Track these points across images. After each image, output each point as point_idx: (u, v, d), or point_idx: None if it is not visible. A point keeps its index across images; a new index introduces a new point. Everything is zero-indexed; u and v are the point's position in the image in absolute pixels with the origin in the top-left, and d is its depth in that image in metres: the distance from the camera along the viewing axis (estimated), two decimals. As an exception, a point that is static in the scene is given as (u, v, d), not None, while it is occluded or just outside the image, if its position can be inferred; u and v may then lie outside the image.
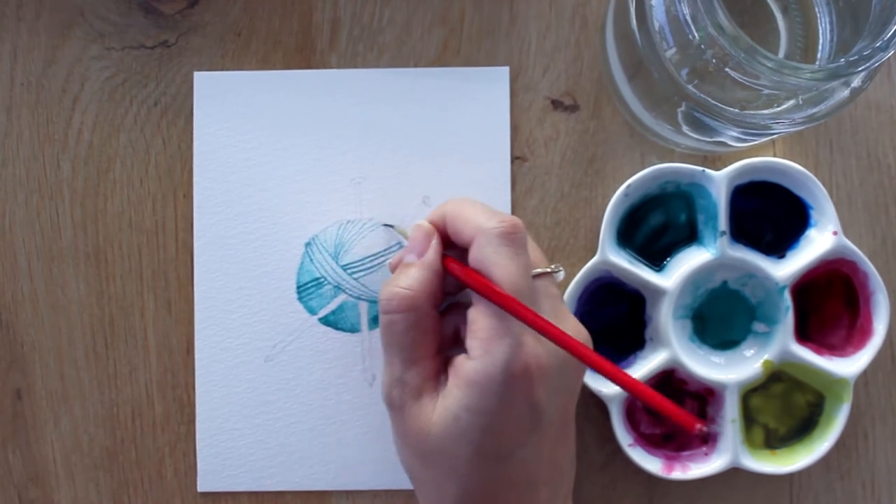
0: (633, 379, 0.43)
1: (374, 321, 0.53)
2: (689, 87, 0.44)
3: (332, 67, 0.54)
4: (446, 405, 0.44)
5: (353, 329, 0.53)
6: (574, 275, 0.52)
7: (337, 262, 0.53)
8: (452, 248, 0.47)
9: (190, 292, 0.54)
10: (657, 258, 0.53)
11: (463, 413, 0.43)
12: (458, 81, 0.54)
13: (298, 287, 0.54)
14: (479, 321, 0.44)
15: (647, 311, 0.53)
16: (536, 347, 0.43)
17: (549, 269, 0.47)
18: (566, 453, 0.47)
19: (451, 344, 0.48)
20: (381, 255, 0.53)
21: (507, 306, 0.43)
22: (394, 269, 0.48)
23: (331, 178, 0.54)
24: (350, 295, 0.53)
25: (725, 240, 0.51)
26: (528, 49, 0.54)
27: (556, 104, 0.54)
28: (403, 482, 0.53)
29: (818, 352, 0.52)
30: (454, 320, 0.48)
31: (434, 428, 0.44)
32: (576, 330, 0.46)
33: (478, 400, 0.43)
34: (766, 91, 0.44)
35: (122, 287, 0.54)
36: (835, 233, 0.51)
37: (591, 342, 0.46)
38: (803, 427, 0.53)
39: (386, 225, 0.53)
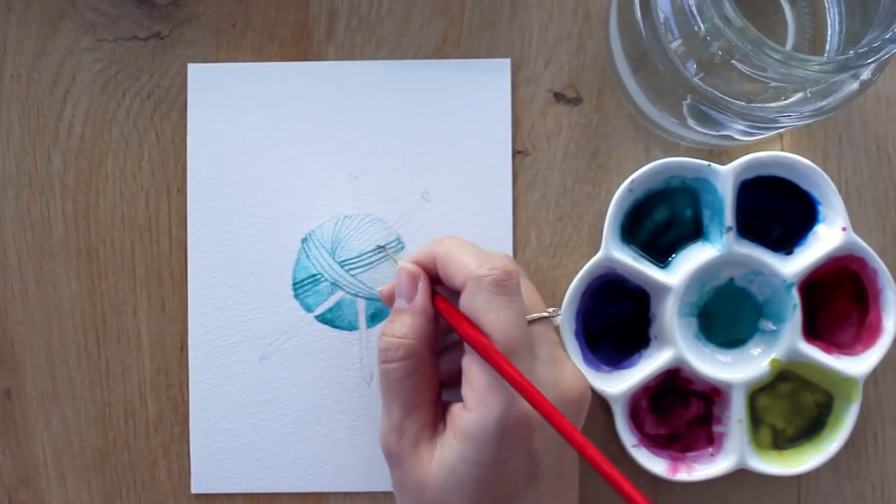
0: (601, 456, 0.42)
1: (371, 318, 0.54)
2: (695, 79, 0.44)
3: (329, 59, 0.54)
4: (443, 456, 0.44)
5: (351, 327, 0.54)
6: (577, 272, 0.52)
7: (334, 259, 0.54)
8: (442, 285, 0.48)
9: (184, 289, 0.54)
10: (662, 255, 0.53)
11: (459, 464, 0.43)
12: (459, 74, 0.54)
13: (294, 284, 0.54)
14: (474, 372, 0.44)
15: (651, 309, 0.53)
16: None
17: (546, 314, 0.47)
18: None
19: (452, 383, 0.48)
20: (380, 252, 0.54)
21: (495, 364, 0.43)
22: (385, 299, 0.49)
23: (328, 172, 0.54)
24: (347, 292, 0.54)
25: (732, 236, 0.51)
26: (529, 41, 0.54)
27: (559, 97, 0.54)
28: (402, 484, 0.53)
29: (827, 350, 0.52)
30: (454, 358, 0.48)
31: (431, 478, 0.44)
32: (574, 378, 0.47)
33: (474, 451, 0.43)
34: (774, 84, 0.44)
35: (114, 284, 0.54)
36: (843, 228, 0.52)
37: (589, 392, 0.48)
38: (811, 427, 0.53)
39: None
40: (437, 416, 0.46)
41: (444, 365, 0.49)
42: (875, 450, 0.55)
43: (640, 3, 0.46)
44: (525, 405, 0.43)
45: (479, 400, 0.43)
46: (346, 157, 0.54)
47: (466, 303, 0.45)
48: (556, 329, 0.48)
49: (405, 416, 0.46)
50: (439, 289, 0.48)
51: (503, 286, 0.44)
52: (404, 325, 0.46)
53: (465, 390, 0.44)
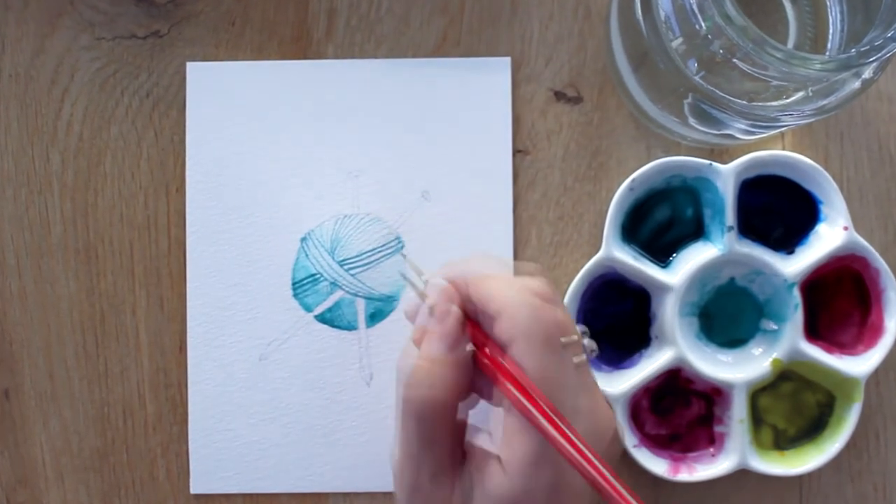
0: None
1: (371, 318, 0.54)
2: (696, 78, 0.44)
3: (328, 58, 0.54)
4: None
5: (350, 327, 0.54)
6: (577, 271, 0.52)
7: (333, 258, 0.54)
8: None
9: (183, 289, 0.54)
10: (663, 254, 0.53)
11: None
12: (459, 72, 0.54)
13: (294, 283, 0.54)
14: (517, 437, 0.40)
15: (652, 309, 0.53)
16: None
17: (578, 338, 0.43)
18: None
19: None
20: (379, 251, 0.54)
21: (549, 438, 0.39)
22: (410, 317, 0.46)
23: (327, 171, 0.54)
24: (347, 291, 0.54)
25: (733, 235, 0.51)
26: (530, 39, 0.54)
27: (559, 96, 0.54)
28: (402, 484, 0.53)
29: (828, 350, 0.52)
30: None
31: None
32: (606, 408, 0.43)
33: None
34: (775, 82, 0.44)
35: (113, 284, 0.54)
36: (845, 228, 0.52)
37: (618, 425, 0.44)
38: (813, 427, 0.53)
39: (402, 254, 0.53)
40: (457, 445, 0.43)
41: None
42: (877, 450, 0.55)
43: (640, 1, 0.46)
44: (574, 479, 0.40)
45: (521, 471, 0.40)
46: (345, 155, 0.54)
47: (502, 330, 0.41)
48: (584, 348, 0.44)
49: (425, 448, 0.42)
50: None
51: (540, 316, 0.41)
52: (434, 348, 0.42)
53: (505, 451, 0.41)
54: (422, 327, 0.44)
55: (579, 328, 0.43)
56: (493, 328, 0.42)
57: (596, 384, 0.43)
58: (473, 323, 0.43)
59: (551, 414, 0.39)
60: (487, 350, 0.42)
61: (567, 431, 0.39)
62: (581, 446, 0.39)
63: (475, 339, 0.43)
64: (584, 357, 0.43)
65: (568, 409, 0.40)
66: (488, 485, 0.41)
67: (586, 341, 0.44)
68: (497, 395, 0.43)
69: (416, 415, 0.41)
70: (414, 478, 0.42)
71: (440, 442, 0.42)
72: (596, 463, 0.39)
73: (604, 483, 0.38)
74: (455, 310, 0.43)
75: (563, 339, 0.42)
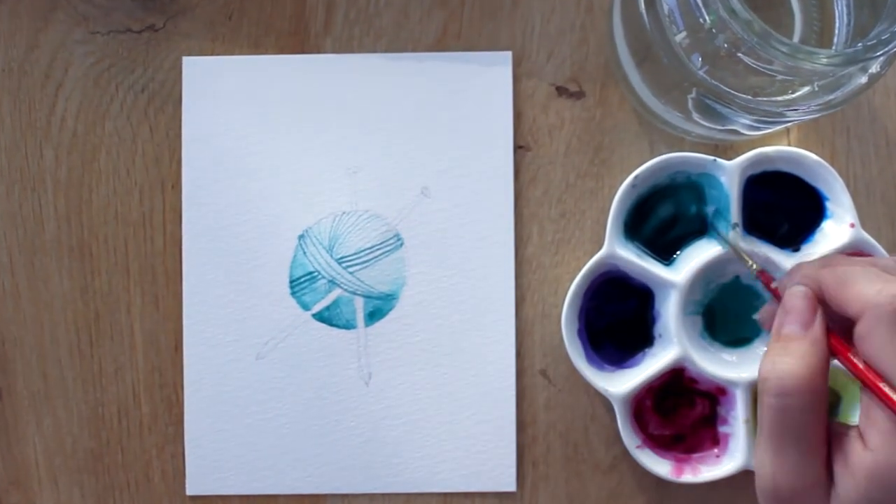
0: None
1: (369, 317, 0.54)
2: (700, 72, 0.45)
3: (326, 52, 0.54)
4: (848, 496, 0.40)
5: (349, 325, 0.54)
6: (579, 269, 0.52)
7: (331, 256, 0.54)
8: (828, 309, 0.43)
9: (178, 287, 0.54)
10: (666, 251, 0.53)
11: None
12: (459, 67, 0.54)
13: (291, 281, 0.54)
14: (876, 410, 0.40)
15: (655, 307, 0.53)
16: None
17: None
18: None
19: None
20: (378, 249, 0.54)
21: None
22: (767, 321, 0.46)
23: (325, 167, 0.54)
24: (345, 290, 0.54)
25: (738, 232, 0.52)
26: (531, 33, 0.54)
27: (561, 91, 0.54)
28: (400, 485, 0.54)
29: (834, 350, 0.53)
30: None
31: None
32: None
33: (881, 492, 0.39)
34: (781, 77, 0.44)
35: (107, 282, 0.54)
36: (852, 225, 0.52)
37: None
38: (819, 428, 0.53)
39: (756, 267, 0.50)
40: (827, 453, 0.42)
41: None
42: (884, 451, 0.55)
43: (644, -6, 0.46)
44: None
45: (884, 440, 0.40)
46: (343, 151, 0.54)
47: (862, 336, 0.40)
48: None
49: (807, 457, 0.41)
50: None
51: None
52: (802, 354, 0.41)
53: (866, 426, 0.40)
54: (767, 312, 0.45)
55: None
56: (847, 307, 0.41)
57: None
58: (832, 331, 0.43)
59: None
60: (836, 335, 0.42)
61: None
62: None
63: (841, 358, 0.42)
64: None
65: None
66: (851, 461, 0.40)
67: None
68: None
69: (777, 392, 0.41)
70: (797, 491, 0.41)
71: (821, 448, 0.41)
72: None
73: None
74: (806, 291, 0.43)
75: None
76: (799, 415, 0.41)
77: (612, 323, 0.53)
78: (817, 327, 0.42)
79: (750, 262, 0.49)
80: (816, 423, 0.41)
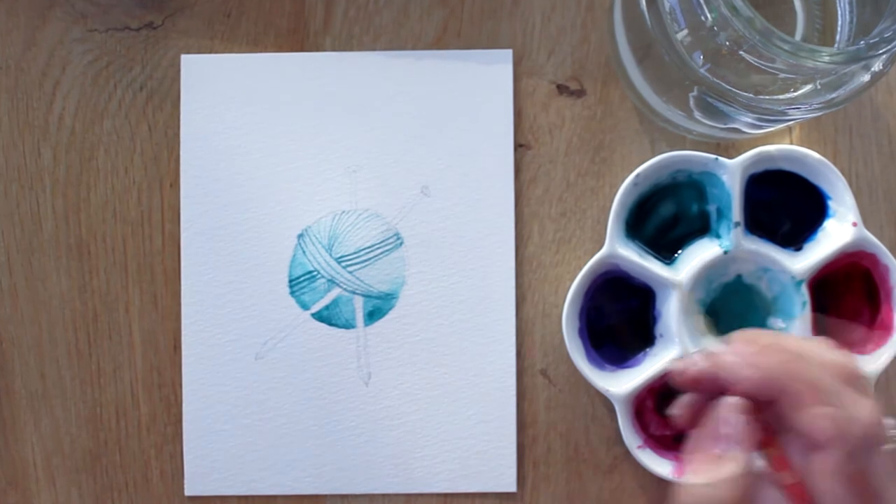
0: None
1: (369, 317, 0.54)
2: (702, 70, 0.45)
3: (326, 50, 0.54)
4: None
5: (348, 325, 0.54)
6: (580, 268, 0.52)
7: (331, 255, 0.54)
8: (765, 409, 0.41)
9: (177, 286, 0.54)
10: (668, 251, 0.53)
11: None
12: (459, 65, 0.54)
13: (290, 281, 0.54)
14: None
15: (656, 307, 0.53)
16: None
17: (893, 439, 0.40)
18: None
19: None
20: (378, 248, 0.54)
21: None
22: (681, 420, 0.43)
23: (325, 166, 0.54)
24: (345, 289, 0.54)
25: (740, 231, 0.52)
26: (532, 31, 0.54)
27: (562, 89, 0.55)
28: (399, 486, 0.54)
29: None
30: None
31: None
32: None
33: None
34: (783, 75, 0.44)
35: (105, 281, 0.54)
36: (854, 224, 0.52)
37: None
38: (821, 428, 0.53)
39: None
40: None
41: None
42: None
43: (645, -8, 0.46)
44: None
45: None
46: (343, 150, 0.54)
47: (827, 470, 0.39)
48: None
49: None
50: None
51: (874, 444, 0.39)
52: (736, 479, 0.39)
53: None
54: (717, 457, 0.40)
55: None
56: (809, 428, 0.39)
57: None
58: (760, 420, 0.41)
59: None
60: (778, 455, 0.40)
61: None
62: None
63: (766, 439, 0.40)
64: (893, 446, 0.40)
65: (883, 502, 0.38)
66: None
67: (891, 423, 0.40)
68: None
69: None
70: None
71: None
72: None
73: None
74: (741, 404, 0.40)
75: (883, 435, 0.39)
76: None
77: (613, 323, 0.53)
78: (748, 446, 0.40)
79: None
80: None
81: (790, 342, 0.42)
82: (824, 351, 0.41)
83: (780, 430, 0.41)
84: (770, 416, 0.41)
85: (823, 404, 0.38)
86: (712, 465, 0.40)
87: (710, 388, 0.42)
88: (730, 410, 0.40)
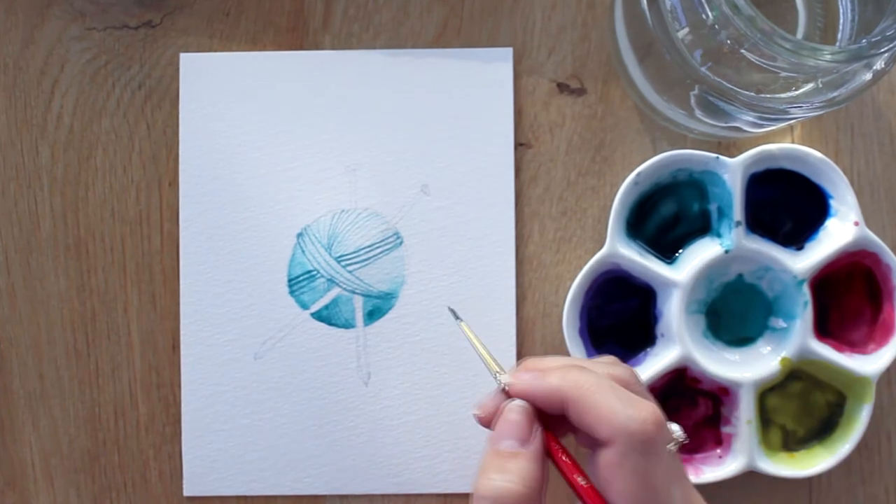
0: None
1: (369, 316, 0.54)
2: (703, 69, 0.45)
3: (325, 49, 0.55)
4: None
5: (348, 325, 0.54)
6: (581, 268, 0.52)
7: (330, 254, 0.54)
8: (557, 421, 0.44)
9: (176, 286, 0.54)
10: (669, 250, 0.53)
11: None
12: (459, 63, 0.54)
13: (290, 280, 0.54)
14: None
15: (657, 306, 0.53)
16: None
17: (676, 440, 0.43)
18: None
19: None
20: (378, 247, 0.54)
21: None
22: (484, 422, 0.45)
23: (324, 165, 0.54)
24: (344, 289, 0.54)
25: (741, 231, 0.52)
26: (532, 29, 0.54)
27: (562, 87, 0.55)
28: (399, 486, 0.54)
29: (838, 349, 0.53)
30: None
31: None
32: (698, 501, 0.42)
33: None
34: (784, 74, 0.44)
35: (104, 280, 0.54)
36: (856, 223, 0.52)
37: None
38: (823, 428, 0.54)
39: (452, 311, 0.50)
40: None
41: None
42: (889, 451, 0.55)
43: (646, -10, 0.46)
44: None
45: None
46: (342, 149, 0.54)
47: (613, 462, 0.40)
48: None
49: None
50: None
51: (655, 441, 0.41)
52: (520, 473, 0.41)
53: None
54: (500, 452, 0.43)
55: (678, 436, 0.43)
56: (594, 428, 0.41)
57: (685, 471, 0.43)
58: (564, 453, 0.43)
59: None
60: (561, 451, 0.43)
61: None
62: None
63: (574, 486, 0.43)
64: (675, 446, 0.42)
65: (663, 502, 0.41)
66: None
67: (675, 428, 0.43)
68: None
69: None
70: None
71: None
72: None
73: None
74: (525, 407, 0.43)
75: (662, 434, 0.41)
76: None
77: (613, 322, 0.53)
78: (536, 443, 0.42)
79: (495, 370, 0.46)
80: None
81: (570, 360, 0.47)
82: (601, 363, 0.45)
83: (576, 438, 0.44)
84: (568, 429, 0.44)
85: (603, 406, 0.41)
86: (503, 460, 0.42)
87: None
88: (514, 411, 0.43)
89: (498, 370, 0.45)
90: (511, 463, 0.42)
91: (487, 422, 0.44)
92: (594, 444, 0.42)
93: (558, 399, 0.42)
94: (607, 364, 0.45)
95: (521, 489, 0.41)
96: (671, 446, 0.42)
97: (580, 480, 0.42)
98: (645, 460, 0.40)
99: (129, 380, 0.54)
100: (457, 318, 0.49)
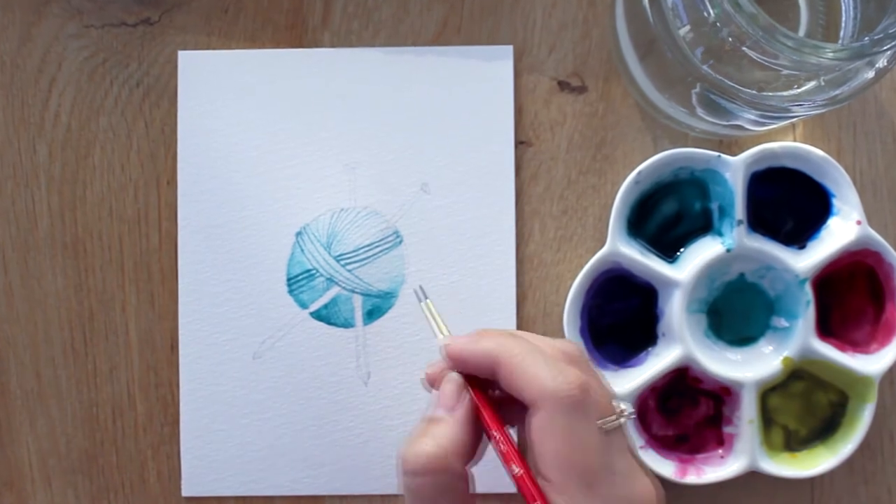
0: None
1: (368, 315, 0.54)
2: (704, 67, 0.45)
3: (324, 46, 0.55)
4: None
5: (347, 324, 0.54)
6: (582, 266, 0.52)
7: (329, 253, 0.54)
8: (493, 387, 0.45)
9: (174, 285, 0.54)
10: (670, 249, 0.53)
11: None
12: (459, 61, 0.54)
13: (289, 279, 0.54)
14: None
15: (659, 305, 0.53)
16: None
17: (618, 417, 0.43)
18: None
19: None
20: (377, 246, 0.54)
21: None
22: (430, 383, 0.46)
23: (323, 163, 0.54)
24: (343, 288, 0.54)
25: (742, 229, 0.52)
26: (533, 27, 0.55)
27: (563, 85, 0.55)
28: (399, 487, 0.54)
29: (841, 348, 0.53)
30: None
31: None
32: (649, 488, 0.43)
33: None
34: (786, 71, 0.44)
35: (101, 280, 0.54)
36: (858, 222, 0.52)
37: (664, 498, 0.45)
38: (825, 428, 0.54)
39: (418, 291, 0.50)
40: None
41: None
42: (891, 451, 0.55)
43: (647, -13, 0.46)
44: None
45: None
46: (342, 147, 0.54)
47: (541, 426, 0.41)
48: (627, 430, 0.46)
49: None
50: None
51: (582, 404, 0.41)
52: (440, 433, 0.43)
53: None
54: (430, 419, 0.45)
55: (623, 408, 0.44)
56: (522, 391, 0.42)
57: (635, 451, 0.44)
58: (476, 384, 0.45)
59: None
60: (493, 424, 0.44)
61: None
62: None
63: (489, 432, 0.44)
64: (614, 420, 0.43)
65: (598, 469, 0.41)
66: None
67: (623, 406, 0.44)
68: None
69: (411, 471, 0.42)
70: None
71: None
72: None
73: None
74: (456, 377, 0.45)
75: (604, 425, 0.42)
76: (431, 496, 0.42)
77: (614, 321, 0.53)
78: (461, 411, 0.44)
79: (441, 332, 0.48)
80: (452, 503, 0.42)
81: (513, 331, 0.48)
82: (548, 339, 0.45)
83: (507, 407, 0.45)
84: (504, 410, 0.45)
85: (530, 370, 0.42)
86: (427, 425, 0.44)
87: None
88: (446, 382, 0.45)
89: (442, 335, 0.47)
90: (434, 427, 0.43)
91: (431, 383, 0.46)
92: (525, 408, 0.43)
93: (490, 362, 0.43)
94: (554, 339, 0.45)
95: (434, 450, 0.42)
96: (620, 420, 0.43)
97: (498, 436, 0.43)
98: (572, 422, 0.41)
99: (127, 379, 0.54)
100: (423, 298, 0.49)
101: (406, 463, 0.42)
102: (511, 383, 0.43)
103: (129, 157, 0.54)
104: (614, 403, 0.43)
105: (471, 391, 0.44)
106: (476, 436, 0.44)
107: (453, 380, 0.45)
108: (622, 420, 0.43)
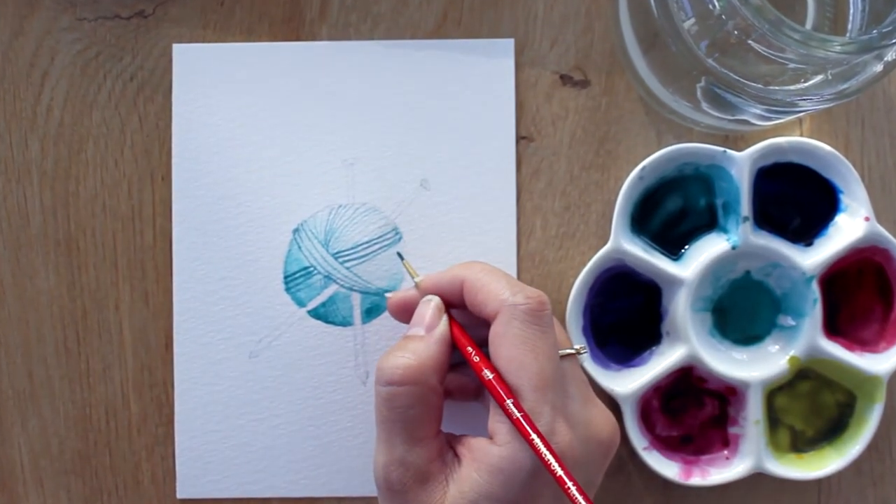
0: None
1: (367, 314, 0.54)
2: (709, 60, 0.45)
3: (322, 39, 0.55)
4: (462, 491, 0.44)
5: (345, 322, 0.54)
6: (584, 264, 0.52)
7: (327, 250, 0.54)
8: (462, 310, 0.48)
9: (168, 283, 0.54)
10: (674, 246, 0.54)
11: (483, 501, 0.43)
12: (459, 55, 0.54)
13: (286, 277, 0.54)
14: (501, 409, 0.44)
15: (663, 304, 0.53)
16: (568, 435, 0.44)
17: (573, 351, 0.47)
18: None
19: (461, 395, 0.50)
20: (376, 243, 0.54)
21: (519, 426, 0.43)
22: (395, 310, 0.50)
23: (321, 159, 0.54)
24: (341, 285, 0.54)
25: (748, 226, 0.52)
26: (534, 20, 0.55)
27: (565, 79, 0.55)
28: (400, 488, 0.54)
29: (849, 347, 0.53)
30: (465, 371, 0.49)
31: None
32: (605, 418, 0.47)
33: (503, 488, 0.43)
34: (793, 65, 0.44)
35: (95, 277, 0.55)
36: (867, 218, 0.52)
37: (619, 433, 0.47)
38: (832, 429, 0.54)
39: (398, 254, 0.53)
40: (443, 449, 0.46)
41: (455, 378, 0.50)
42: (899, 453, 0.55)
43: (651, -21, 0.46)
44: (561, 444, 0.43)
45: (512, 434, 0.43)
46: (340, 142, 0.54)
47: (499, 332, 0.45)
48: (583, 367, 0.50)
49: (410, 448, 0.45)
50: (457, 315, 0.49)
51: (538, 316, 0.45)
52: (416, 347, 0.46)
53: (495, 423, 0.44)
54: (408, 336, 0.48)
55: (578, 348, 0.48)
56: (485, 306, 0.46)
57: (588, 385, 0.48)
58: (462, 333, 0.48)
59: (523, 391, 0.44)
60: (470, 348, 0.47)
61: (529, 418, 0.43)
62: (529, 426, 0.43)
63: (462, 347, 0.47)
64: (570, 350, 0.47)
65: (551, 380, 0.44)
66: (481, 459, 0.44)
67: (579, 346, 0.48)
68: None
69: (386, 381, 0.45)
70: (402, 482, 0.45)
71: (427, 441, 0.45)
72: (538, 444, 0.43)
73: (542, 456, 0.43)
74: (436, 300, 0.48)
75: (560, 352, 0.46)
76: (406, 404, 0.45)
77: (618, 320, 0.53)
78: (441, 327, 0.47)
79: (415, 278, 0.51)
80: (425, 414, 0.45)
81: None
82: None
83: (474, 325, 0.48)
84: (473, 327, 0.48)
85: (493, 286, 0.46)
86: (406, 341, 0.47)
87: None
88: (425, 303, 0.48)
89: (416, 277, 0.50)
90: (412, 343, 0.46)
91: (394, 308, 0.50)
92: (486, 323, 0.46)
93: (459, 284, 0.47)
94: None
95: (411, 362, 0.45)
96: (577, 350, 0.47)
97: (471, 350, 0.46)
98: (527, 329, 0.44)
99: (120, 379, 0.55)
100: (402, 258, 0.53)
101: (383, 372, 0.45)
102: (475, 299, 0.46)
103: (122, 153, 0.55)
104: (571, 344, 0.48)
105: (447, 312, 0.48)
106: (449, 355, 0.47)
107: (432, 302, 0.48)
108: (579, 351, 0.47)
